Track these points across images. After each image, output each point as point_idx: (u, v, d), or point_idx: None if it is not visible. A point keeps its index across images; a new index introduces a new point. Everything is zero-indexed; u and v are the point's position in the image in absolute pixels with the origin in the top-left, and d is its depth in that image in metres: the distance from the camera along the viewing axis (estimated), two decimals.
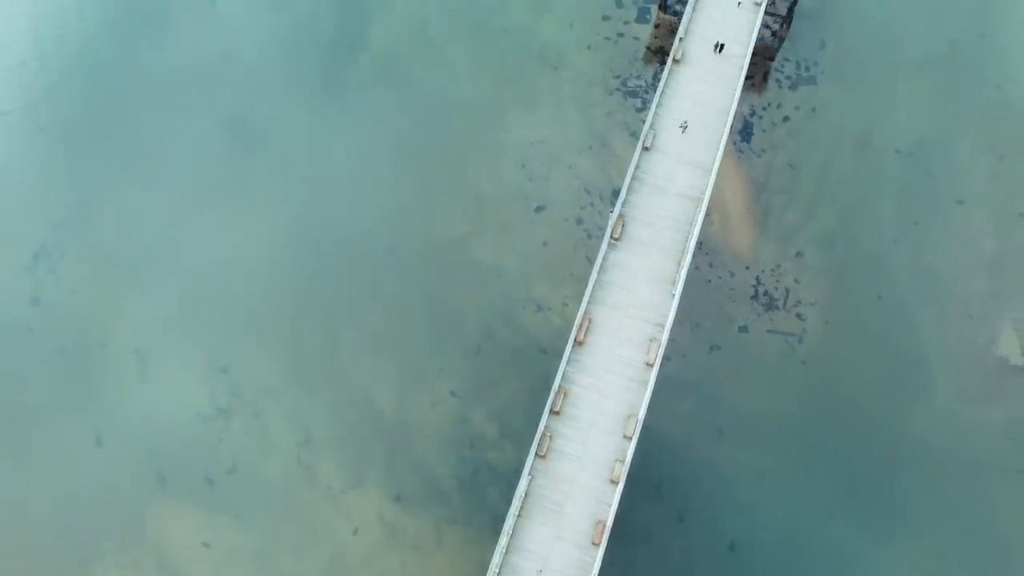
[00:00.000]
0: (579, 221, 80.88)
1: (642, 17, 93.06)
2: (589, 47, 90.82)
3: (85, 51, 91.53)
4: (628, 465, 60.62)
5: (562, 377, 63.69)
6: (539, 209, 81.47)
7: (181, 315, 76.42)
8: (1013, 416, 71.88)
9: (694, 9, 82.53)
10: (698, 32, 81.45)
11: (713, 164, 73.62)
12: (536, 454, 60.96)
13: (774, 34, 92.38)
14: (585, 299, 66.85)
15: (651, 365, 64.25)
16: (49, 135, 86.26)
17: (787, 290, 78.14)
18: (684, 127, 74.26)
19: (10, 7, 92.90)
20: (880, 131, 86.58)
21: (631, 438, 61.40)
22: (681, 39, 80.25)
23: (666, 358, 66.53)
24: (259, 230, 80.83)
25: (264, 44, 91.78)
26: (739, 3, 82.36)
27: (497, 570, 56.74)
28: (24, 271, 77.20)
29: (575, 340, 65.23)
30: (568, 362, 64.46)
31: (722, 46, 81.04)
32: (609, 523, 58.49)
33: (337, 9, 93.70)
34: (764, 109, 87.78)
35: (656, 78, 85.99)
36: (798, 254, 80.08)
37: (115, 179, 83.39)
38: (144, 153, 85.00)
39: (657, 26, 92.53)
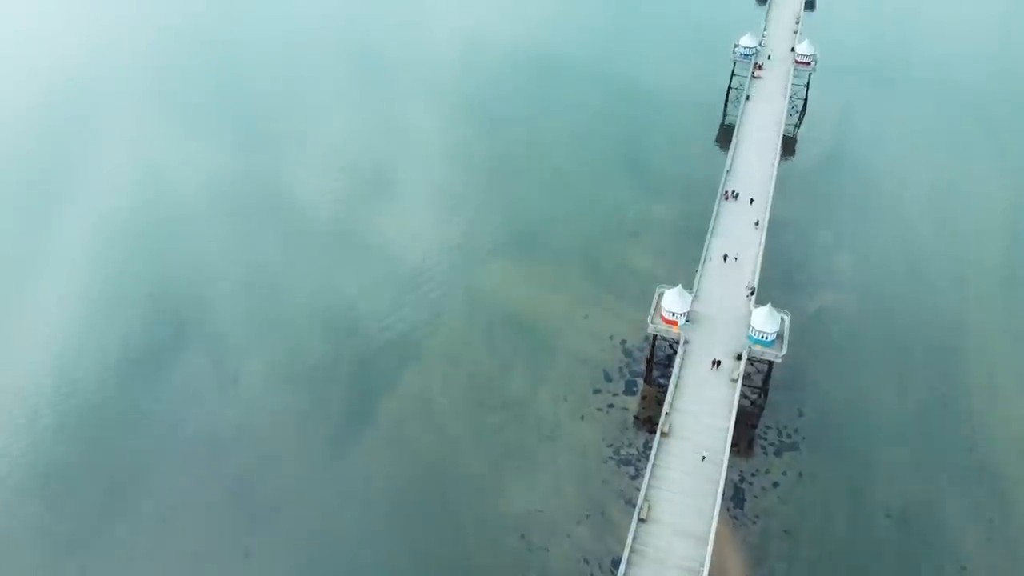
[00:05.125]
0: None
1: (630, 390, 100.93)
2: (582, 418, 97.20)
3: (101, 418, 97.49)
4: None
5: None
6: None
7: None
8: None
9: (676, 384, 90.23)
10: (682, 407, 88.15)
11: (709, 534, 75.03)
12: None
13: (753, 403, 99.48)
14: None
15: None
16: (55, 508, 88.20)
17: None
18: None
19: (29, 377, 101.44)
20: (867, 496, 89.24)
21: None
22: (667, 413, 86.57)
23: None
24: None
25: (278, 417, 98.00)
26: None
27: None
28: None
29: None
30: None
31: (719, 363, 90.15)
32: None
33: (347, 385, 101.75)
34: (753, 475, 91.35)
35: (647, 446, 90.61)
36: None
37: (114, 556, 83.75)
38: (149, 526, 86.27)
39: (644, 398, 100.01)
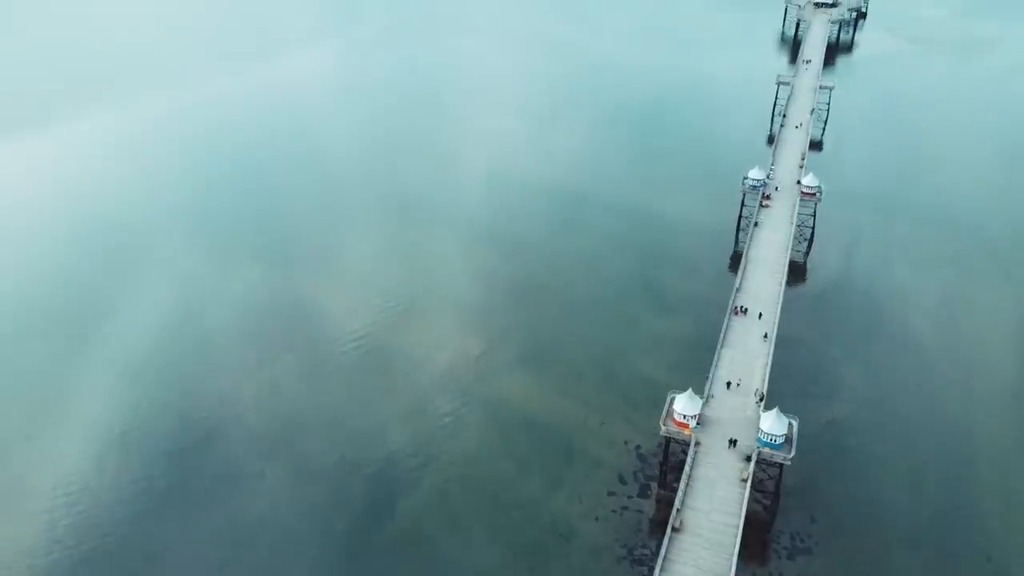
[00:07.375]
0: None
1: (643, 492, 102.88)
2: (596, 519, 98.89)
3: (126, 513, 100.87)
4: None
5: None
6: None
7: None
8: None
9: (687, 483, 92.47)
10: (694, 504, 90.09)
11: None
12: None
13: (765, 508, 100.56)
14: None
15: None
16: None
17: None
18: None
19: (62, 470, 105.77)
20: None
21: None
22: (678, 509, 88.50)
23: None
24: None
25: (300, 513, 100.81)
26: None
27: None
28: None
29: None
30: None
31: (735, 441, 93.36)
32: None
33: (370, 483, 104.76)
34: None
35: (660, 547, 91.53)
36: None
37: None
38: None
39: (658, 500, 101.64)
